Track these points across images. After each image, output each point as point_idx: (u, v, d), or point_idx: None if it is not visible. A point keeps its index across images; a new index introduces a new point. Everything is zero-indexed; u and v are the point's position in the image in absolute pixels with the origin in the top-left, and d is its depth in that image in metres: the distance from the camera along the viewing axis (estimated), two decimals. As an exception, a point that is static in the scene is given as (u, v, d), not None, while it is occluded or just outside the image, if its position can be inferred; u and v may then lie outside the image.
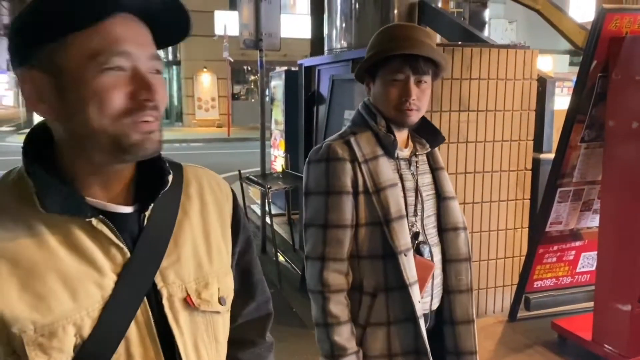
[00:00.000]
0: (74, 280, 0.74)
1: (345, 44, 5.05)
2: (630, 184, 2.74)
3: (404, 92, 1.46)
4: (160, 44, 0.79)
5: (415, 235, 1.53)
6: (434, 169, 1.61)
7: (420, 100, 1.48)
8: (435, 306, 1.60)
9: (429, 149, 1.60)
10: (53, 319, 0.72)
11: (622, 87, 2.77)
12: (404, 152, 1.55)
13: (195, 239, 0.87)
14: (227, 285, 0.91)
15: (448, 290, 1.60)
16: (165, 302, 0.81)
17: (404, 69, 1.45)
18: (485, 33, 6.95)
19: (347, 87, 4.04)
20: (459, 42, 3.55)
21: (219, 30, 17.06)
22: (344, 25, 5.07)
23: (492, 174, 3.55)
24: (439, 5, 5.14)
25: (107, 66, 0.72)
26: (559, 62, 18.75)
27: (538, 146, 3.72)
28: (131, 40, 0.73)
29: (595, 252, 3.33)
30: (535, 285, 3.52)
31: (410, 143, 1.58)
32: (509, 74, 3.49)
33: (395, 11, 4.89)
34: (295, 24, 14.82)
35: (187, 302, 0.83)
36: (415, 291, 1.47)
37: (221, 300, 0.89)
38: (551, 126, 3.77)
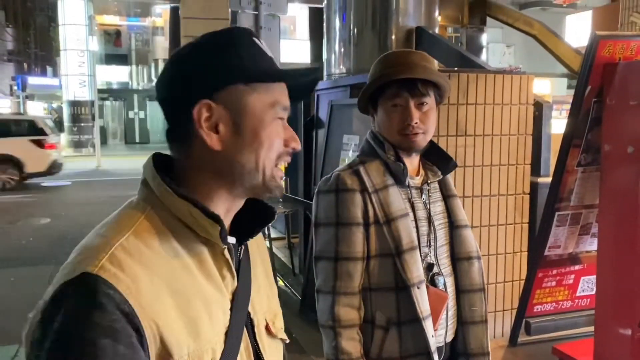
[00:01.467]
0: (211, 305, 0.80)
1: (344, 69, 5.12)
2: (627, 208, 2.75)
3: (405, 117, 1.45)
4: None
5: (429, 267, 1.49)
6: (446, 197, 1.58)
7: (425, 124, 1.46)
8: (449, 338, 1.56)
9: (441, 176, 1.57)
10: (200, 343, 0.76)
11: (617, 112, 2.80)
12: (415, 180, 1.52)
13: (260, 273, 0.95)
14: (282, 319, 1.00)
15: (462, 322, 1.56)
16: (257, 329, 0.89)
17: (401, 94, 1.44)
18: (483, 57, 7.03)
19: (346, 112, 4.08)
20: (455, 68, 3.60)
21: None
22: (342, 50, 5.14)
23: (490, 198, 3.56)
24: (436, 31, 5.22)
25: (279, 115, 0.84)
26: (557, 86, 18.87)
27: (536, 170, 3.74)
28: (287, 98, 0.86)
29: (595, 276, 3.32)
30: (535, 310, 3.50)
31: (422, 170, 1.56)
32: (505, 98, 3.54)
33: (393, 37, 4.96)
34: (295, 49, 15.02)
35: (268, 330, 0.92)
36: (428, 325, 1.43)
37: (285, 332, 0.97)
38: (548, 150, 3.80)
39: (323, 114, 4.68)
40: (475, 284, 1.54)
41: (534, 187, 3.69)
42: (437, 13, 5.33)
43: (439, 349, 1.50)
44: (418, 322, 1.42)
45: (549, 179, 3.47)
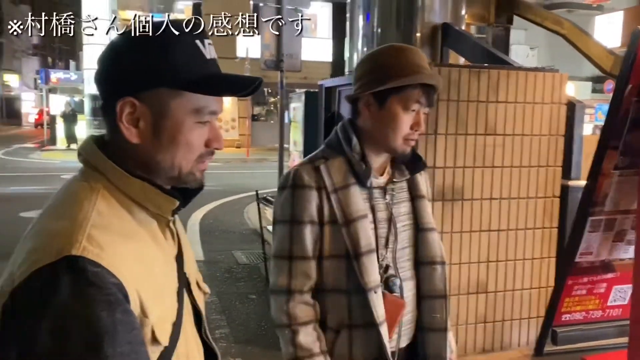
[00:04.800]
0: (167, 271, 0.91)
1: (366, 66, 5.00)
2: (668, 214, 2.59)
3: (416, 123, 1.43)
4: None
5: (385, 269, 1.47)
6: (414, 197, 1.54)
7: None
8: (403, 344, 1.53)
9: (408, 176, 1.54)
10: (166, 306, 0.87)
11: (659, 113, 2.64)
12: (378, 180, 1.49)
13: (184, 237, 1.06)
14: None
15: (421, 327, 1.54)
16: (192, 286, 1.01)
17: (421, 99, 1.42)
18: (508, 58, 6.87)
19: (369, 108, 3.97)
20: (485, 64, 3.46)
21: (240, 53, 17.27)
22: (365, 48, 5.04)
23: (519, 201, 3.42)
24: (463, 28, 5.08)
25: (201, 120, 0.89)
26: (582, 89, 18.59)
27: (566, 173, 3.59)
28: (219, 102, 0.92)
29: (628, 285, 3.16)
30: (563, 319, 3.34)
31: (389, 170, 1.53)
32: (537, 97, 3.39)
33: (418, 34, 4.84)
34: (315, 47, 14.93)
35: (199, 286, 1.05)
36: (384, 330, 1.41)
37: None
38: (580, 152, 3.64)
39: (345, 110, 4.57)
40: (437, 290, 1.51)
41: (564, 190, 3.54)
42: (464, 10, 5.19)
43: (392, 353, 1.49)
44: (371, 327, 1.40)
45: (580, 182, 3.33)
